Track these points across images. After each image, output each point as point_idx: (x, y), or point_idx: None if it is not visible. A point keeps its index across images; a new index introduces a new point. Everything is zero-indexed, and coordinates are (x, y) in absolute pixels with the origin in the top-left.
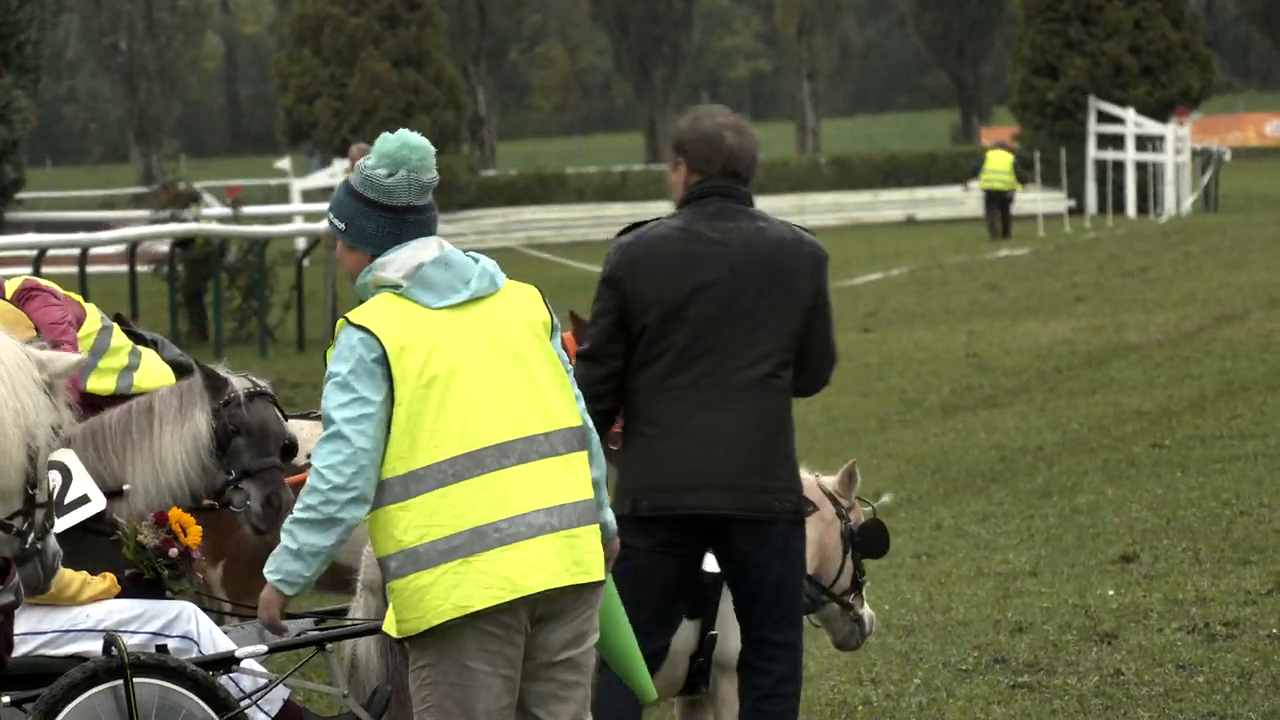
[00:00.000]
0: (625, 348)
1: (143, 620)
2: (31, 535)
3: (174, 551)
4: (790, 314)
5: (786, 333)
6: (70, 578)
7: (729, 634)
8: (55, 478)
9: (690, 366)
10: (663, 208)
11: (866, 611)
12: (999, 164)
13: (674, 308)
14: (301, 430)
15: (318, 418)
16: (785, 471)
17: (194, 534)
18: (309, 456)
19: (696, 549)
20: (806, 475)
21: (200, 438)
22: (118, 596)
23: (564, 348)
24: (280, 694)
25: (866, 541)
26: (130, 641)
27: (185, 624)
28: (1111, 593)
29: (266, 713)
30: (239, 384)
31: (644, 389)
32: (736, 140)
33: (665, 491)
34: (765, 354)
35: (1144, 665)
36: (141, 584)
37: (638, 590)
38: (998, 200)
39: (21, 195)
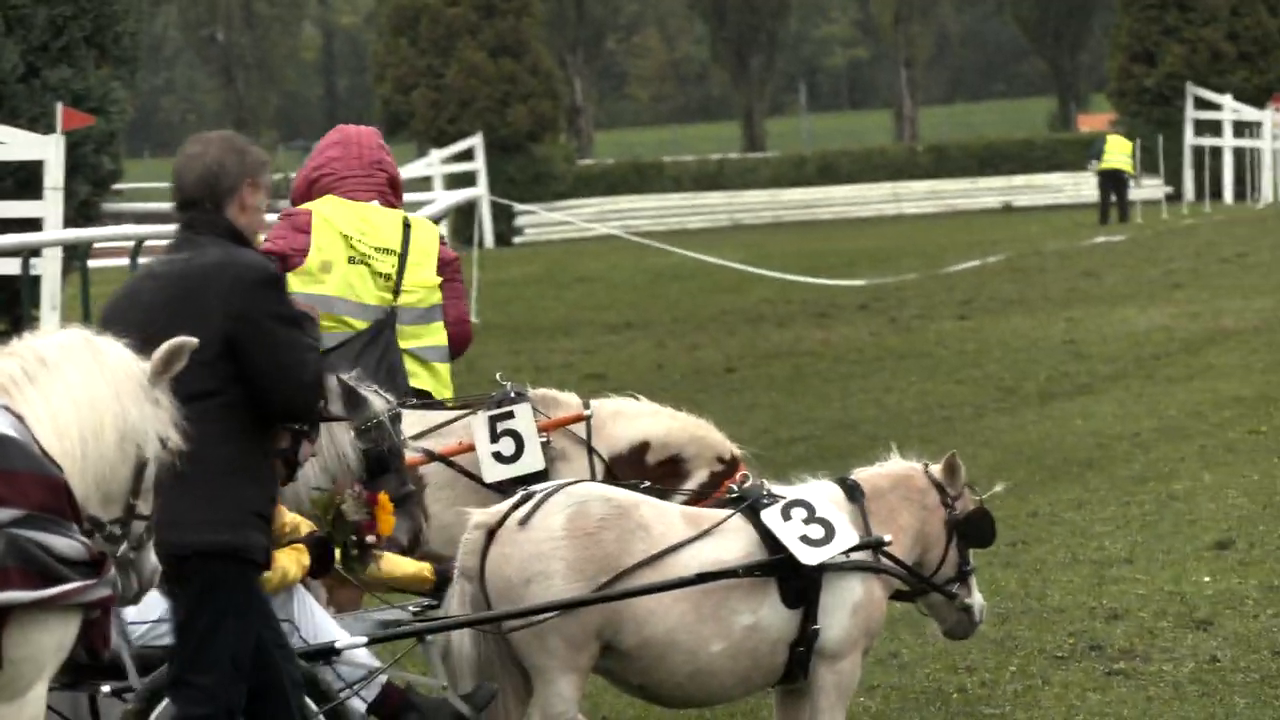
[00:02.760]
0: None
1: None
2: (124, 545)
3: (370, 538)
4: (200, 345)
5: (196, 365)
6: (285, 562)
7: (829, 623)
8: None
9: None
10: (760, 196)
11: (976, 600)
12: (1121, 148)
13: None
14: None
15: (442, 405)
16: (201, 510)
17: (387, 525)
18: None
19: (179, 587)
20: (913, 464)
21: (348, 459)
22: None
23: None
24: (379, 679)
25: (972, 530)
26: None
27: (286, 609)
28: (1207, 579)
29: (363, 698)
30: (378, 403)
31: None
32: (179, 164)
33: None
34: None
35: (1240, 651)
36: (325, 551)
37: None
38: (1113, 182)
39: (120, 186)
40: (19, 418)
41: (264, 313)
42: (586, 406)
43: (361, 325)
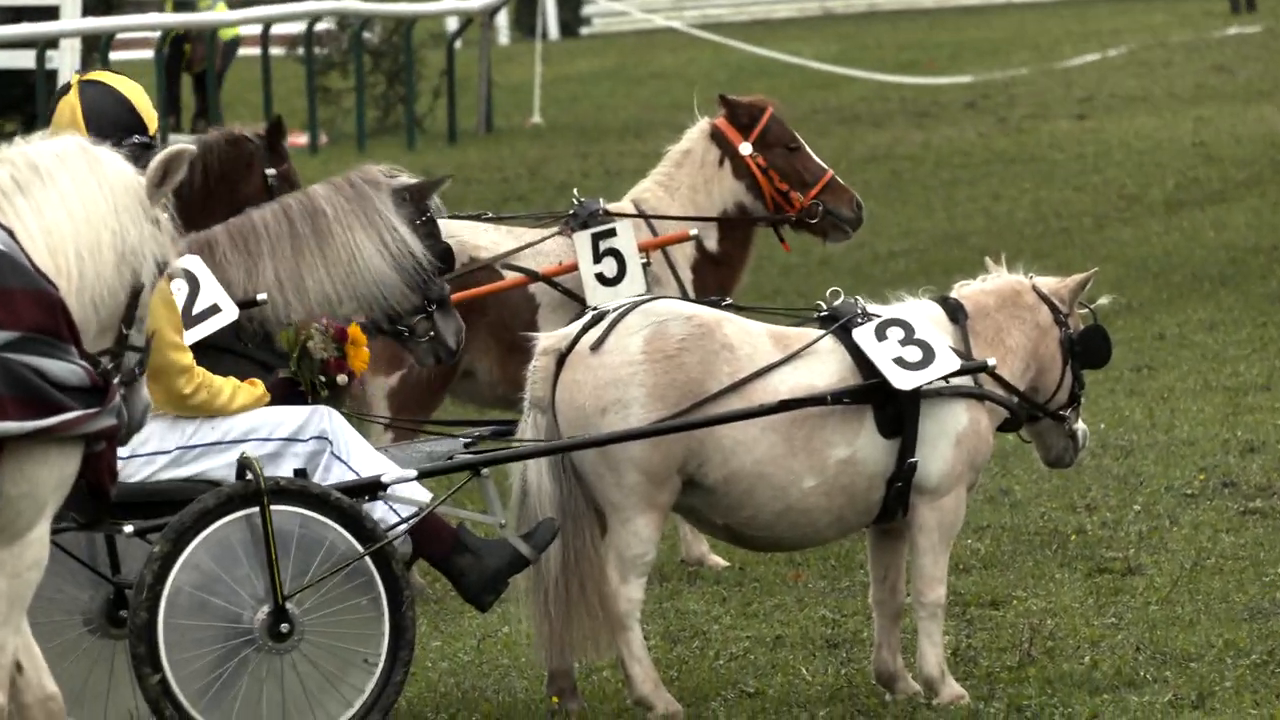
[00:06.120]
0: None
1: (272, 426)
2: (115, 379)
3: (341, 378)
4: None
5: None
6: (219, 386)
7: (930, 455)
8: (181, 285)
9: None
10: None
11: (1080, 426)
12: None
13: None
14: (485, 232)
15: (486, 218)
16: None
17: (363, 357)
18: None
19: None
20: (1020, 278)
21: (418, 254)
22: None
23: (723, 133)
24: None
25: (1086, 350)
26: (261, 451)
27: (319, 424)
28: None
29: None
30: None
31: None
32: None
33: None
34: None
35: None
36: (293, 393)
37: None
38: None
39: None
40: (9, 232)
41: None
42: None
43: None
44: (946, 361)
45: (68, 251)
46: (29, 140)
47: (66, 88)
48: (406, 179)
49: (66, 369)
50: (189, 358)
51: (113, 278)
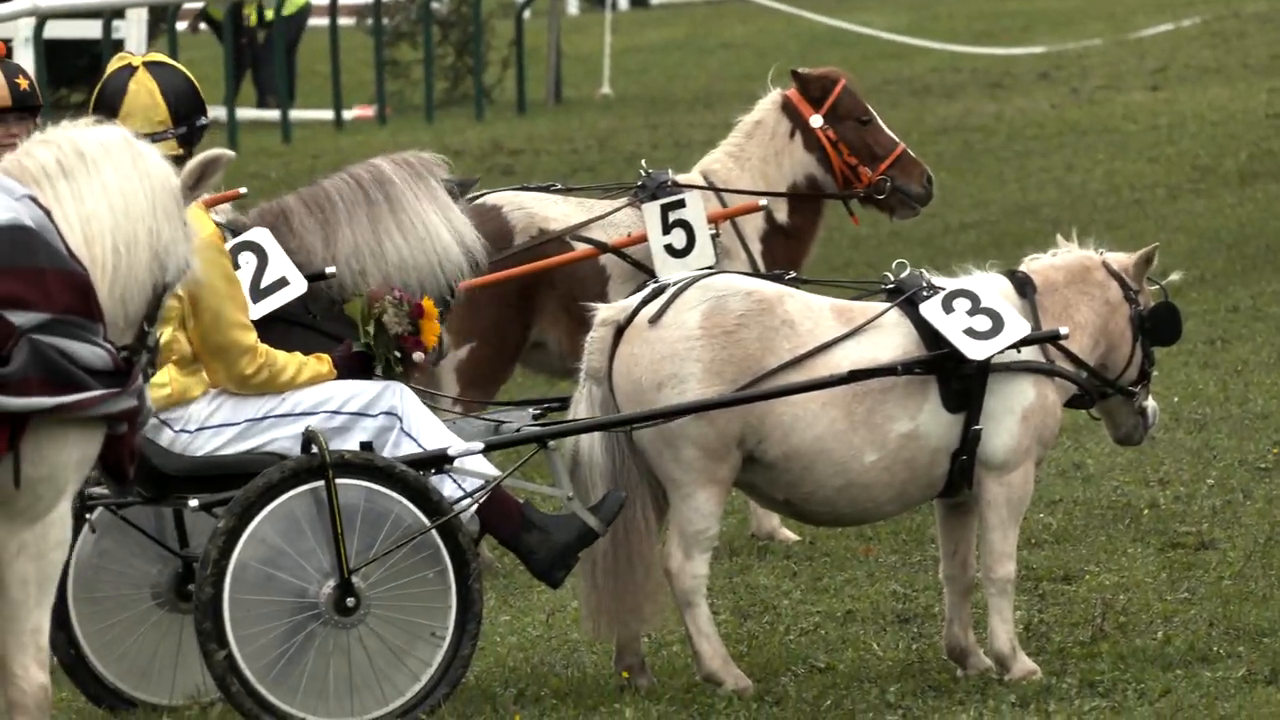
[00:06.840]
0: None
1: (342, 400)
2: (138, 364)
3: (418, 355)
4: None
5: None
6: (284, 361)
7: (996, 430)
8: (249, 259)
9: None
10: None
11: (1150, 403)
12: None
13: None
14: (554, 204)
15: (553, 189)
16: None
17: (434, 331)
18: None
19: None
20: (1090, 253)
21: (470, 237)
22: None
23: (795, 105)
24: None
25: (1156, 327)
26: (329, 425)
27: (389, 400)
28: None
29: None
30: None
31: None
32: None
33: None
34: None
35: None
36: (362, 366)
37: None
38: None
39: None
40: (46, 212)
41: None
42: None
43: None
44: (1017, 328)
45: (105, 243)
46: (75, 124)
47: (130, 69)
48: (444, 173)
49: (91, 351)
50: (253, 337)
51: (144, 274)
